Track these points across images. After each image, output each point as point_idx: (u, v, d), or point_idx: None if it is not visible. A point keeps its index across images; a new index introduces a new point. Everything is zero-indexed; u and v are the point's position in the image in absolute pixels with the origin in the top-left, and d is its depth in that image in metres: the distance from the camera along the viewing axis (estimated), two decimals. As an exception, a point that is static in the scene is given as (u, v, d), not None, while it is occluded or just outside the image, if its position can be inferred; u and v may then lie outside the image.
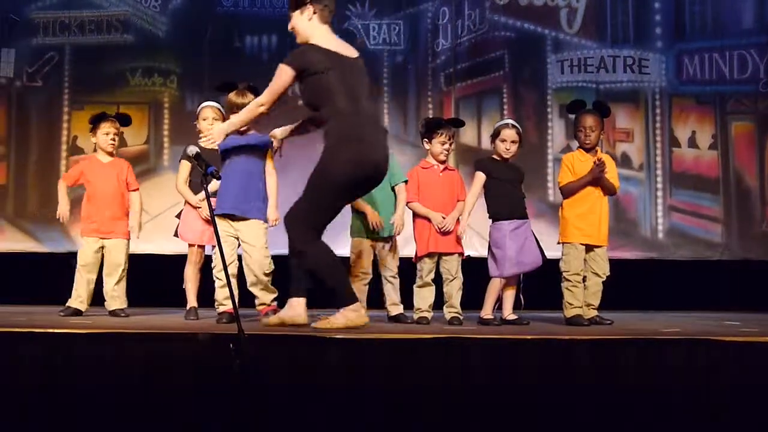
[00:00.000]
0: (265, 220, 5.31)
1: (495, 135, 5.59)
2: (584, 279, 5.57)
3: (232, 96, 5.32)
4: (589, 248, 5.53)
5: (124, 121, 6.01)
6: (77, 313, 5.69)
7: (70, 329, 4.41)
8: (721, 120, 7.89)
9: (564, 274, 5.51)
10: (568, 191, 5.57)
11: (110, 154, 5.91)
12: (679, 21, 7.97)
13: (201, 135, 5.55)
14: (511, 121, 5.71)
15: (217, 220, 5.17)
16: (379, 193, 5.44)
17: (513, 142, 5.53)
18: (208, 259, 5.55)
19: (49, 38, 7.75)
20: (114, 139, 5.90)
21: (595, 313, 5.57)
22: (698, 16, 7.97)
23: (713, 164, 7.87)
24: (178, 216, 5.76)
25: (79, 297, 5.75)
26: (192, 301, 5.64)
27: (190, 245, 5.65)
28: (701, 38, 7.96)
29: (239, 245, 5.33)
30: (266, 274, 5.26)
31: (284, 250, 4.67)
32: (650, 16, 7.97)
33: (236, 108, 5.14)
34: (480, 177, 5.52)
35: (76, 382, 3.97)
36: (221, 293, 5.29)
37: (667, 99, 7.92)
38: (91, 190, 5.87)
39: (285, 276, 4.86)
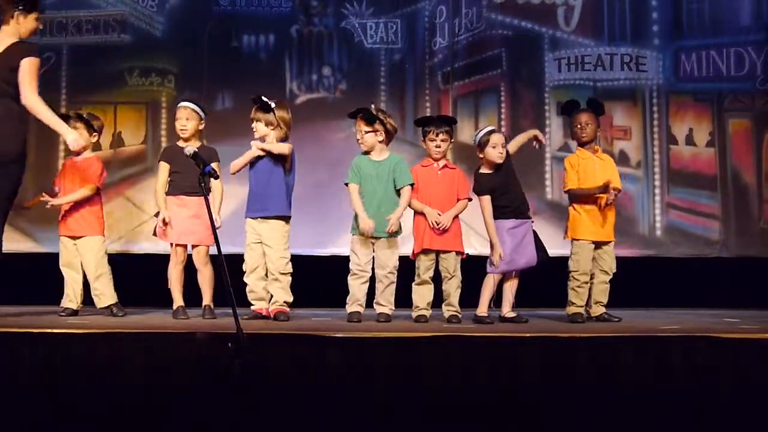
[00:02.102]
0: (287, 216, 5.56)
1: (483, 144, 5.50)
2: (592, 276, 5.58)
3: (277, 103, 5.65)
4: (597, 245, 5.55)
5: (85, 120, 5.97)
6: (74, 313, 5.77)
7: (68, 329, 4.41)
8: (718, 117, 7.89)
9: (573, 273, 5.52)
10: (575, 196, 5.62)
11: (78, 153, 5.91)
12: (676, 18, 7.96)
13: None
14: (492, 127, 5.69)
15: (246, 226, 5.61)
16: (381, 193, 5.50)
17: (503, 146, 5.50)
18: (190, 258, 5.72)
19: (46, 38, 7.71)
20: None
21: (603, 310, 5.58)
22: (695, 13, 7.96)
23: (711, 161, 7.86)
24: (157, 215, 5.78)
25: (67, 296, 5.84)
26: (178, 300, 5.69)
27: (173, 245, 5.70)
28: (699, 36, 7.95)
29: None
30: (283, 274, 5.51)
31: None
32: (647, 14, 7.95)
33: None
34: (487, 200, 5.48)
35: (74, 382, 3.97)
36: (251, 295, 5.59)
37: (664, 96, 7.91)
38: (62, 191, 5.93)
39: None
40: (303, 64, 7.83)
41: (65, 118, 6.00)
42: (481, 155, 5.54)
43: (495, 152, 5.48)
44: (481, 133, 5.57)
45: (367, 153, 5.59)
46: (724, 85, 7.90)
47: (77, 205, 5.85)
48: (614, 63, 7.91)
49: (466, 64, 7.90)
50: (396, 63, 7.86)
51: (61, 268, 5.88)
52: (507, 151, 5.57)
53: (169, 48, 7.79)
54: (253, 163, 5.61)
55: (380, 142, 5.54)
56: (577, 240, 5.57)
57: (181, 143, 5.70)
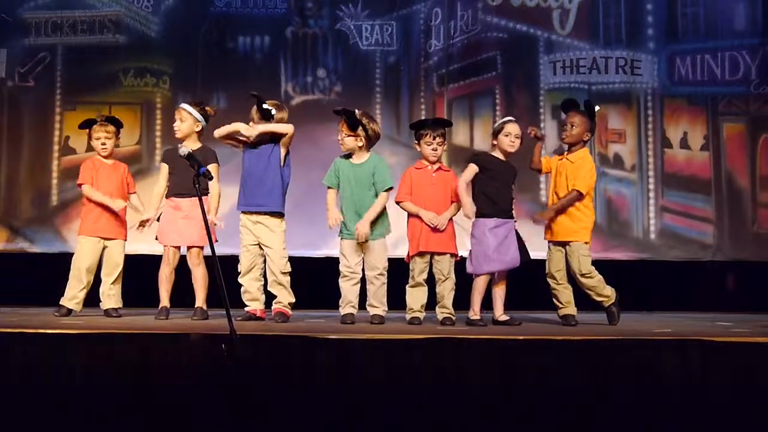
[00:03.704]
0: (281, 213, 5.55)
1: (497, 131, 5.53)
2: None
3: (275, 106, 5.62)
4: (563, 246, 5.55)
5: (116, 123, 6.01)
6: (68, 313, 5.74)
7: (63, 329, 4.40)
8: (712, 121, 7.91)
9: (546, 276, 5.58)
10: None
11: (106, 157, 5.94)
12: (671, 22, 7.98)
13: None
14: (511, 117, 5.69)
15: (240, 227, 5.58)
16: (360, 196, 5.51)
17: (516, 136, 5.50)
18: (182, 259, 5.73)
19: (41, 38, 7.73)
20: (105, 143, 5.92)
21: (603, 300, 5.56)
22: (690, 17, 7.98)
23: (705, 165, 7.88)
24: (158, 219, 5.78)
25: (75, 298, 5.79)
26: (164, 300, 5.70)
27: (166, 246, 5.70)
28: (693, 39, 7.97)
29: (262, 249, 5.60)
30: (284, 273, 5.52)
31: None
32: (643, 18, 7.98)
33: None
34: (472, 168, 5.50)
35: (68, 382, 3.96)
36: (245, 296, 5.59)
37: (659, 100, 7.93)
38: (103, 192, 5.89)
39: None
40: (298, 65, 7.84)
41: (92, 122, 5.97)
42: (494, 143, 5.57)
43: (506, 140, 5.49)
44: (498, 122, 5.64)
45: (348, 156, 5.60)
46: (719, 88, 7.92)
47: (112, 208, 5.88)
48: (609, 66, 7.93)
49: (461, 67, 7.92)
50: (391, 65, 7.87)
51: (76, 268, 5.84)
52: (513, 167, 5.57)
53: (164, 49, 7.81)
54: (247, 153, 5.59)
55: (360, 147, 5.54)
56: (548, 242, 5.65)
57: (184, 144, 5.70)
